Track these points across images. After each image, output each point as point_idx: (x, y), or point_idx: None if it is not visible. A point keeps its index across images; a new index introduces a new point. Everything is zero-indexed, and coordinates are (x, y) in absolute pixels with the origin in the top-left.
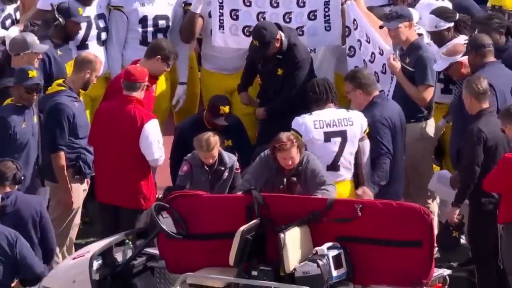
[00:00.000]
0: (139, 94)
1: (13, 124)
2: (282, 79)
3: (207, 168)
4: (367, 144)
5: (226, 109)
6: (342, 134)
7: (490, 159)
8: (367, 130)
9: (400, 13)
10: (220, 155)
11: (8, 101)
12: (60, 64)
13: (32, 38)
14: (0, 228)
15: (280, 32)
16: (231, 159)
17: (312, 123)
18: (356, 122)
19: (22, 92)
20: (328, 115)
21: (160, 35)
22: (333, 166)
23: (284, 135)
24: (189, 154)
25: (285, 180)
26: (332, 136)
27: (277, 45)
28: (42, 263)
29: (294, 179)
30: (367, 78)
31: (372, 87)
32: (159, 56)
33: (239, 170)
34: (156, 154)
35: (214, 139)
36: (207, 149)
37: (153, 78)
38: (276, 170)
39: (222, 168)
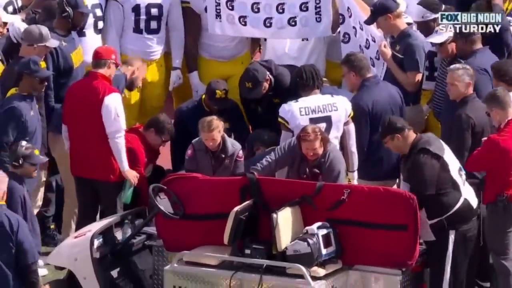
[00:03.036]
0: (105, 71)
1: (24, 112)
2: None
3: (210, 154)
4: (352, 127)
5: (222, 93)
6: (327, 120)
7: (476, 144)
8: (351, 114)
9: (379, 7)
10: (223, 142)
11: (12, 91)
12: (66, 55)
13: (46, 31)
14: (8, 214)
15: (268, 73)
16: (233, 147)
17: (298, 110)
18: (340, 107)
19: (35, 82)
20: (314, 102)
21: (153, 23)
22: None
23: (310, 127)
24: (196, 138)
25: (307, 170)
26: (318, 122)
27: (267, 85)
28: (35, 257)
29: (317, 171)
30: (360, 61)
31: (365, 69)
32: (152, 129)
33: (242, 159)
34: (112, 126)
35: (216, 122)
36: (208, 130)
37: (152, 150)
38: (301, 159)
39: (223, 155)
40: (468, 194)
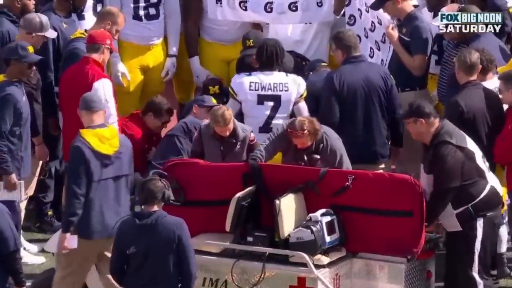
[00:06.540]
0: (98, 56)
1: (18, 99)
2: None
3: (218, 139)
4: (302, 106)
5: (216, 88)
6: (276, 99)
7: (468, 130)
8: (304, 94)
9: None
10: (234, 127)
11: (0, 77)
12: (66, 37)
13: (46, 20)
14: None
15: None
16: (244, 132)
17: (248, 84)
18: (291, 88)
19: (24, 68)
20: (266, 79)
21: (151, 10)
22: (265, 128)
23: (298, 122)
24: (205, 123)
25: (305, 156)
26: (265, 100)
27: None
28: (17, 244)
29: (318, 156)
30: (347, 40)
31: (352, 49)
32: (150, 113)
33: (254, 141)
34: None
35: (228, 112)
36: (224, 124)
37: (154, 134)
38: (295, 145)
39: (234, 141)
40: (494, 180)
